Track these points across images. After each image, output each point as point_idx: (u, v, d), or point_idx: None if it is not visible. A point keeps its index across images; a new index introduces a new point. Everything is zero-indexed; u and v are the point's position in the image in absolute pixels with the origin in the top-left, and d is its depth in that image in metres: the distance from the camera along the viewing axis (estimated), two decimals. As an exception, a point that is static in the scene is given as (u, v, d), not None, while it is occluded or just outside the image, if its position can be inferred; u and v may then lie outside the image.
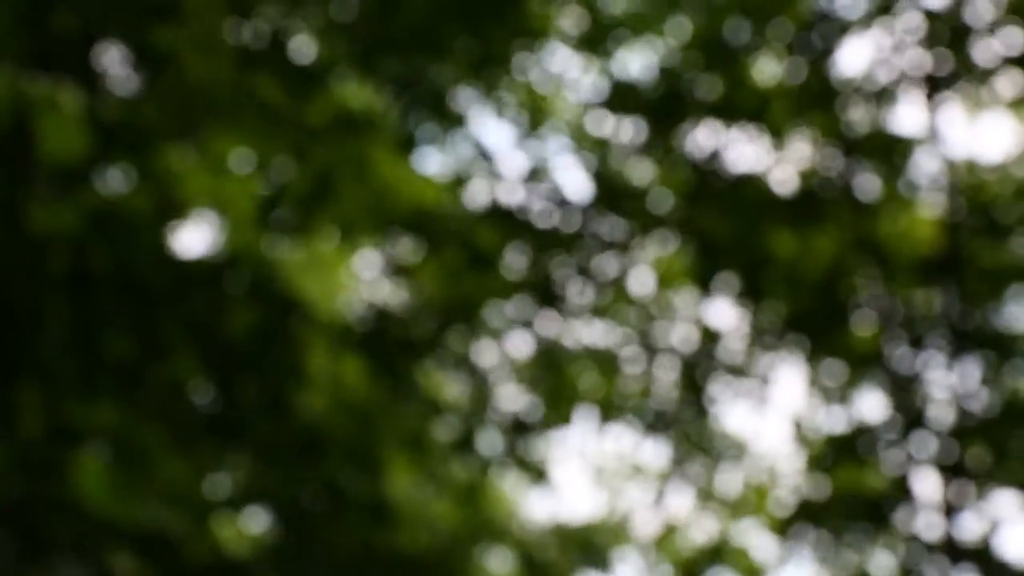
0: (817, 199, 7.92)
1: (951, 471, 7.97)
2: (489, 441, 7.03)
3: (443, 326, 7.14)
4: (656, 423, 10.54)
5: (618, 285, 8.11)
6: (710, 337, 10.19)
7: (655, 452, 10.93)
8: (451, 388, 7.21)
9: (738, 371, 10.54)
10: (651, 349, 8.90)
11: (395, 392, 6.66)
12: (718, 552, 11.45)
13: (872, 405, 8.67)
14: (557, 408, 7.38)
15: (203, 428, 6.35)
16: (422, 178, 6.45)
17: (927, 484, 8.25)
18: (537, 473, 7.14)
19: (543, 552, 7.64)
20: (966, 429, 8.03)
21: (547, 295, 7.43)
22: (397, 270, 7.22)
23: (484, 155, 7.29)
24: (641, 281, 8.41)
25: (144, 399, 6.28)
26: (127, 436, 5.94)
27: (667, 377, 9.33)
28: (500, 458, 7.01)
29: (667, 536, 11.99)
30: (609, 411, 8.69)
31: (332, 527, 6.33)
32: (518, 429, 7.02)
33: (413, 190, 5.94)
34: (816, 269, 8.06)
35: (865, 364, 8.53)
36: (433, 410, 6.86)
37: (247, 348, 6.05)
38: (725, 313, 10.10)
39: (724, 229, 7.80)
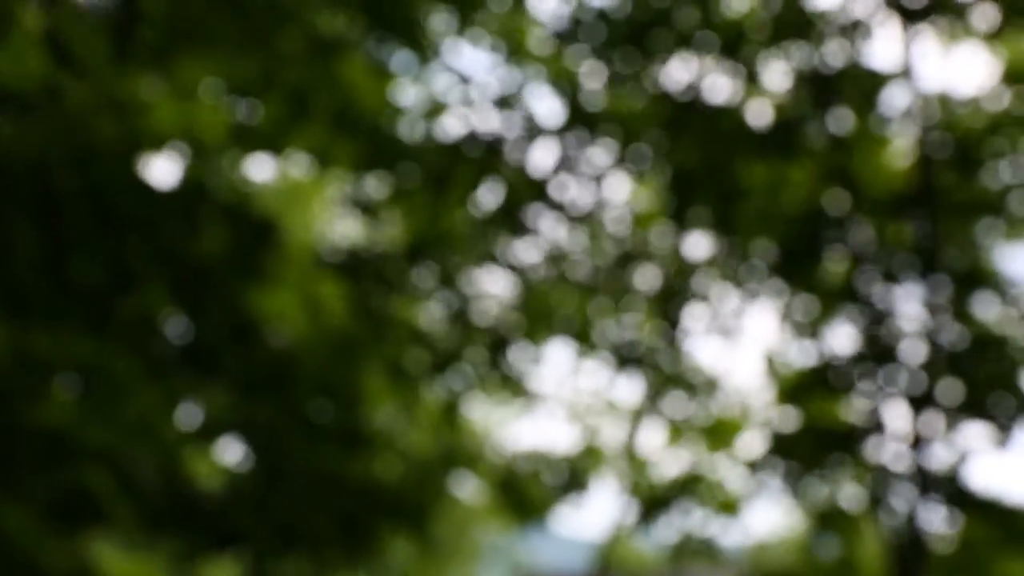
0: (791, 132, 7.89)
1: (921, 403, 8.02)
2: (465, 368, 7.02)
3: (417, 258, 7.11)
4: (629, 357, 10.58)
5: (591, 217, 8.09)
6: (683, 270, 10.21)
7: (628, 387, 10.97)
8: (428, 317, 7.19)
9: (711, 305, 10.58)
10: (624, 282, 8.90)
11: (371, 321, 6.64)
12: (690, 484, 11.55)
13: (843, 338, 8.71)
14: (532, 337, 7.38)
15: (175, 358, 6.31)
16: (396, 104, 6.39)
17: (897, 416, 8.32)
18: (515, 390, 7.14)
19: (518, 477, 7.67)
20: (936, 362, 8.08)
21: (521, 226, 7.41)
22: (371, 202, 7.17)
23: (459, 81, 7.22)
24: (614, 213, 8.40)
25: (115, 329, 6.24)
26: (98, 367, 5.90)
27: (641, 310, 9.33)
28: (477, 380, 7.00)
29: (639, 468, 12.08)
30: (583, 344, 8.70)
31: (306, 456, 6.34)
32: (495, 350, 7.01)
33: (386, 110, 5.89)
34: (790, 202, 8.05)
35: (837, 298, 8.56)
36: (409, 339, 6.84)
37: (219, 276, 6.00)
38: (698, 246, 10.11)
39: (698, 161, 7.77)
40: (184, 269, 5.92)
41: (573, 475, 7.96)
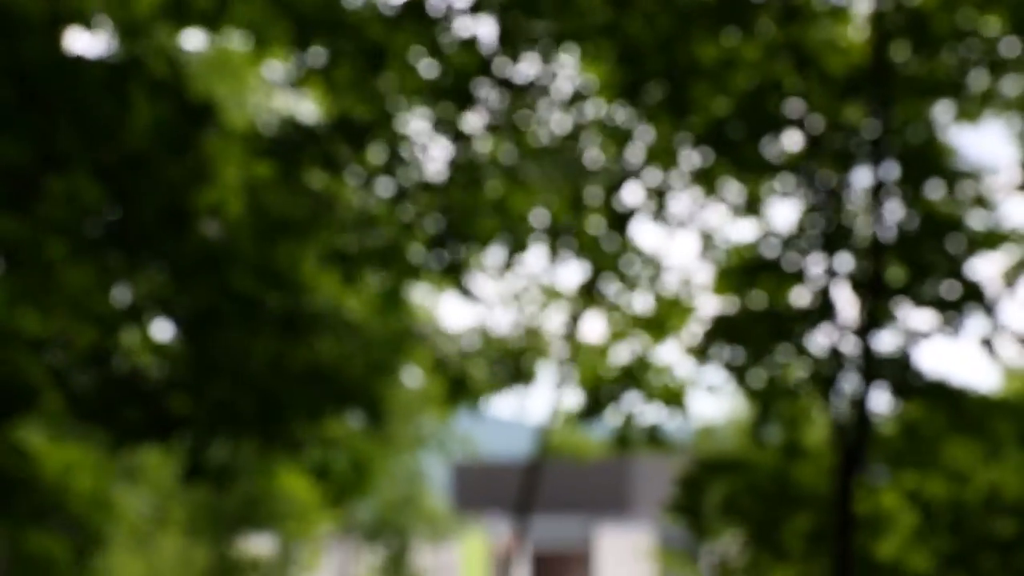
0: (745, 5, 7.75)
1: (869, 287, 8.04)
2: (408, 253, 6.92)
3: (358, 136, 6.94)
4: (572, 242, 10.52)
5: (537, 92, 7.94)
6: (631, 151, 10.12)
7: (570, 272, 10.96)
8: (370, 199, 7.05)
9: (658, 188, 10.52)
10: (570, 163, 8.79)
11: (310, 203, 6.51)
12: (634, 372, 11.61)
13: (792, 221, 8.68)
14: (474, 223, 7.28)
15: (107, 240, 6.17)
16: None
17: (845, 300, 8.34)
18: (457, 276, 7.06)
19: (458, 362, 7.62)
20: (885, 245, 8.08)
21: (465, 100, 7.24)
22: (308, 78, 6.97)
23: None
24: (561, 89, 8.26)
25: (43, 209, 6.08)
26: (26, 246, 5.76)
27: (588, 194, 9.24)
28: (419, 265, 6.91)
29: (582, 355, 12.12)
30: (524, 231, 8.62)
31: (243, 339, 6.25)
32: (437, 234, 6.91)
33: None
34: (742, 79, 7.94)
35: (786, 178, 8.52)
36: (350, 222, 6.72)
37: (152, 156, 5.84)
38: (647, 127, 10.01)
39: (649, 36, 7.62)
40: (115, 148, 5.75)
41: (514, 360, 7.92)
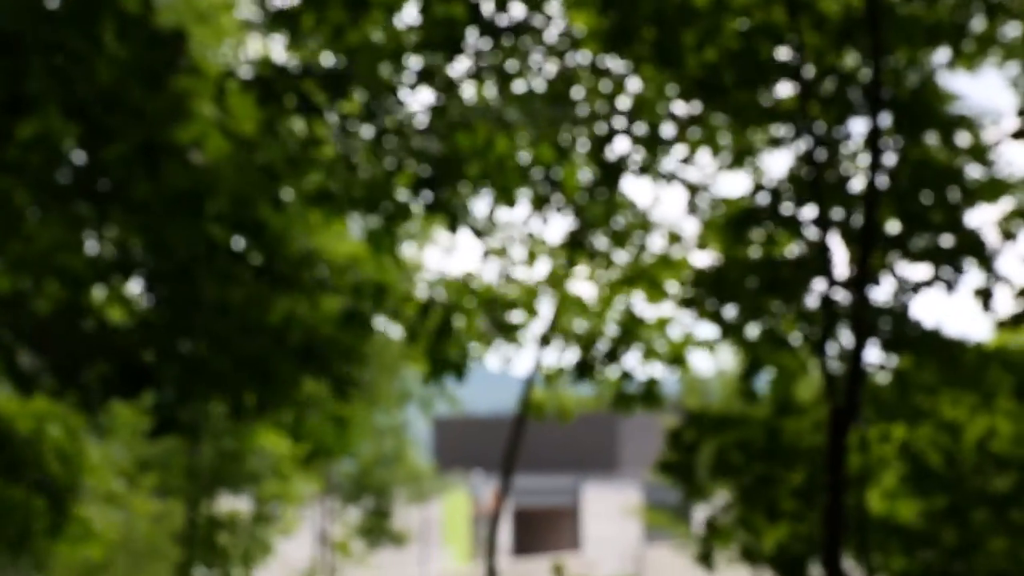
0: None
1: (863, 238, 8.00)
2: (392, 201, 6.83)
3: (339, 80, 6.85)
4: (560, 195, 10.47)
5: (525, 37, 7.86)
6: (621, 101, 10.05)
7: (560, 226, 10.91)
8: (351, 143, 6.96)
9: (647, 138, 10.46)
10: (558, 112, 8.72)
11: (289, 147, 6.42)
12: (625, 328, 11.59)
13: (784, 171, 8.64)
14: (459, 169, 7.20)
15: (78, 186, 6.09)
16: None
17: (838, 252, 8.32)
18: (444, 226, 6.98)
19: (444, 317, 7.57)
20: (880, 196, 8.03)
21: (452, 46, 7.16)
22: (284, 17, 6.86)
23: None
24: (550, 35, 8.18)
25: (11, 154, 5.99)
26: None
27: (576, 144, 9.16)
28: (404, 214, 6.83)
29: (573, 311, 12.10)
30: (512, 180, 8.55)
31: (220, 292, 6.18)
32: (423, 181, 6.83)
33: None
34: (734, 24, 7.87)
35: (780, 127, 8.47)
36: (332, 167, 6.64)
37: (123, 92, 5.74)
38: (636, 77, 9.93)
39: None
40: (86, 87, 5.66)
41: (500, 313, 7.86)
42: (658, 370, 11.84)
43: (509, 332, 7.89)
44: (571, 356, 12.09)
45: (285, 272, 6.57)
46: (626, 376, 11.70)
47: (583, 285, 11.91)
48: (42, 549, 9.83)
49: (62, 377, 6.20)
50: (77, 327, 6.25)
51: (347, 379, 6.60)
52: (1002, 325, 7.73)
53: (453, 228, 6.99)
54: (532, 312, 12.16)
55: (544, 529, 56.71)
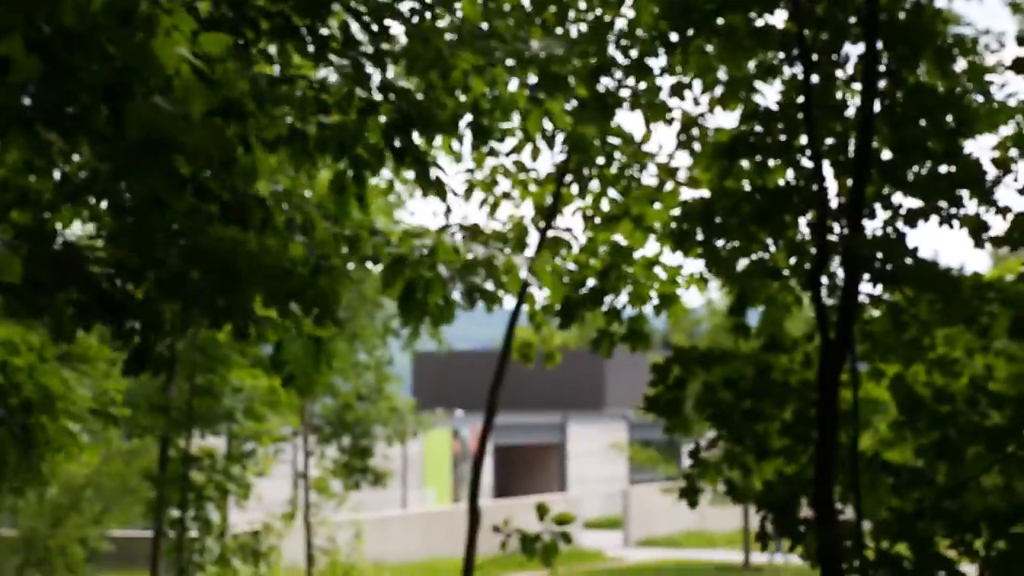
0: None
1: (858, 168, 7.98)
2: (366, 140, 6.77)
3: (312, 7, 6.76)
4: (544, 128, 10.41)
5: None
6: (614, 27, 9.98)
7: (547, 161, 10.86)
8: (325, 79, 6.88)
9: (637, 68, 10.39)
10: (547, 39, 8.65)
11: (262, 82, 6.36)
12: (614, 263, 11.60)
13: (778, 98, 8.60)
14: (437, 103, 7.13)
15: (39, 117, 6.01)
16: None
17: (832, 182, 8.30)
18: (421, 165, 6.93)
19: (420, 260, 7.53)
20: (875, 123, 8.00)
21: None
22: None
23: None
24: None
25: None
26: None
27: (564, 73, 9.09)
28: (379, 154, 6.77)
29: (555, 248, 12.08)
30: (494, 116, 8.48)
31: (189, 229, 6.14)
32: (398, 125, 6.77)
33: None
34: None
35: (773, 54, 8.42)
36: (305, 104, 6.57)
37: (90, 27, 5.66)
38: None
39: None
40: (51, 21, 5.58)
41: (479, 276, 7.80)
42: (646, 308, 11.86)
43: (487, 297, 7.83)
44: (558, 298, 12.09)
45: (254, 210, 6.52)
46: (613, 314, 11.72)
47: (571, 221, 11.91)
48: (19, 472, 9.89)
49: (31, 304, 6.17)
50: (45, 251, 6.21)
51: (324, 309, 6.58)
52: (998, 243, 7.70)
53: (425, 177, 6.94)
54: (518, 248, 12.14)
55: (528, 468, 57.09)
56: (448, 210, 8.86)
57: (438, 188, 7.15)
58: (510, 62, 7.78)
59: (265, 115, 6.53)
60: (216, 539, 17.48)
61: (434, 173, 7.10)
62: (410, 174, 7.60)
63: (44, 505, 25.24)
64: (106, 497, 25.96)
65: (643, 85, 10.60)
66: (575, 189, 11.93)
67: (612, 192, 11.73)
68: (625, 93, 10.75)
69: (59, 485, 24.97)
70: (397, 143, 6.82)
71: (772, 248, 8.41)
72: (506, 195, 12.00)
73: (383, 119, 6.81)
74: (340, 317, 6.81)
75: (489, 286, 7.90)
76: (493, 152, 11.26)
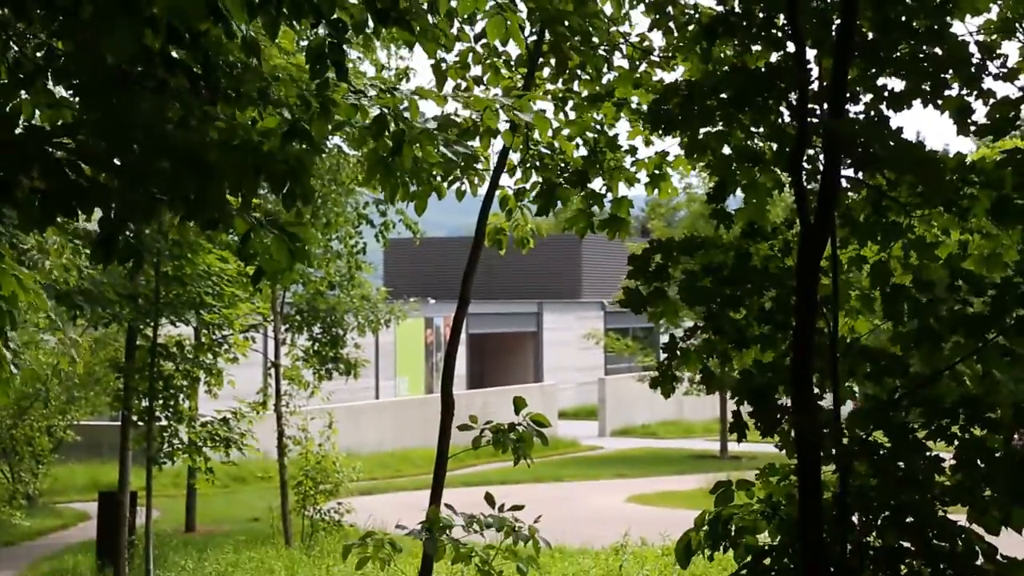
0: None
1: (840, 49, 7.96)
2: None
3: None
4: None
5: None
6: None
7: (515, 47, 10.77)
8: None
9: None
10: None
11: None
12: (595, 150, 11.58)
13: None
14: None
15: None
16: None
17: (813, 63, 8.28)
18: (406, 26, 6.85)
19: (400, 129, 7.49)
20: (856, 1, 7.96)
21: None
22: None
23: None
24: None
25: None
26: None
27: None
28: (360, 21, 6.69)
29: (535, 127, 12.03)
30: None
31: (157, 102, 6.09)
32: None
33: None
34: None
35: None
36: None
37: None
38: None
39: None
40: None
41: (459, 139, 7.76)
42: (632, 190, 11.88)
43: (467, 159, 7.80)
44: (534, 178, 12.07)
45: (224, 82, 6.46)
46: (595, 197, 11.72)
47: (548, 104, 11.83)
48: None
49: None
50: (7, 136, 6.15)
51: (295, 182, 6.53)
52: (982, 132, 7.73)
53: (409, 32, 6.86)
54: (493, 132, 12.08)
55: (503, 358, 57.44)
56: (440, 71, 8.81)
57: (429, 37, 7.06)
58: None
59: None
60: (186, 427, 17.59)
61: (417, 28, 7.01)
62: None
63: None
64: (72, 387, 26.09)
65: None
66: (547, 72, 11.85)
67: (587, 76, 11.66)
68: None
69: (24, 375, 25.11)
70: (379, 3, 6.73)
71: (754, 133, 8.41)
72: (477, 80, 11.91)
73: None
74: (313, 199, 6.77)
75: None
76: (463, 34, 11.18)
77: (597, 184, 11.83)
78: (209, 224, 6.49)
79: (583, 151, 11.89)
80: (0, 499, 25.40)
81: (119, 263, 6.49)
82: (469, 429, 9.74)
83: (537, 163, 11.83)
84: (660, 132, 9.15)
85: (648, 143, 11.81)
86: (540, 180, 11.79)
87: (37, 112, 6.94)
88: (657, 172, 11.73)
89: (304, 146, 6.97)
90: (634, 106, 11.60)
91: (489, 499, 9.95)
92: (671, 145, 11.15)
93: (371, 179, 7.61)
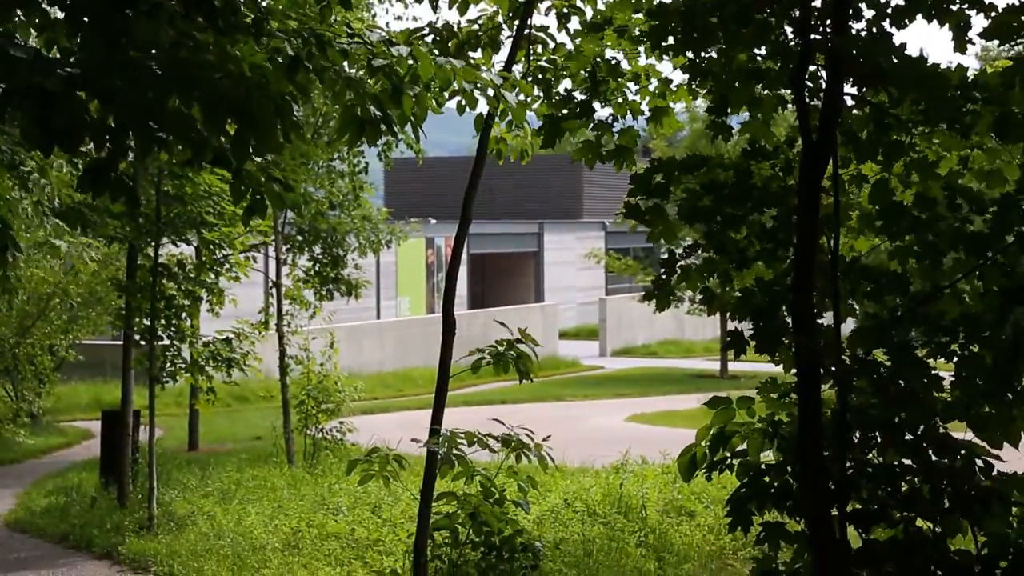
0: None
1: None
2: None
3: None
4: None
5: None
6: None
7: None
8: None
9: None
10: None
11: None
12: (599, 77, 11.52)
13: None
14: None
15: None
16: None
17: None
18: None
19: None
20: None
21: None
22: None
23: None
24: None
25: None
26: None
27: None
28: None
29: (536, 44, 11.95)
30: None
31: (150, 27, 6.01)
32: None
33: None
34: None
35: None
36: None
37: None
38: None
39: None
40: None
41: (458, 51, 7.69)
42: (636, 121, 11.85)
43: (467, 74, 7.75)
44: (535, 95, 12.02)
45: (221, 8, 6.37)
46: (603, 127, 11.69)
47: (549, 22, 11.78)
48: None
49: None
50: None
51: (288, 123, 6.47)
52: (986, 35, 7.65)
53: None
54: (494, 48, 12.01)
55: (504, 278, 57.50)
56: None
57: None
58: None
59: None
60: (188, 346, 17.63)
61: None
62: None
63: (11, 313, 25.40)
64: (74, 306, 26.14)
65: None
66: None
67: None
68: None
69: (26, 293, 25.14)
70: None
71: (753, 49, 8.35)
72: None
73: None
74: (300, 132, 6.69)
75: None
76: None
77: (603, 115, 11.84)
78: (206, 160, 6.38)
79: (583, 74, 11.85)
80: (4, 417, 25.54)
81: (111, 200, 6.38)
82: (470, 355, 9.86)
83: (539, 76, 11.80)
84: (660, 53, 9.09)
85: (648, 75, 11.75)
86: (541, 95, 11.78)
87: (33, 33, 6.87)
88: (661, 101, 11.69)
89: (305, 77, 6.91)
90: (636, 34, 11.56)
91: (500, 423, 10.08)
92: (674, 74, 11.14)
93: (341, 138, 7.54)
